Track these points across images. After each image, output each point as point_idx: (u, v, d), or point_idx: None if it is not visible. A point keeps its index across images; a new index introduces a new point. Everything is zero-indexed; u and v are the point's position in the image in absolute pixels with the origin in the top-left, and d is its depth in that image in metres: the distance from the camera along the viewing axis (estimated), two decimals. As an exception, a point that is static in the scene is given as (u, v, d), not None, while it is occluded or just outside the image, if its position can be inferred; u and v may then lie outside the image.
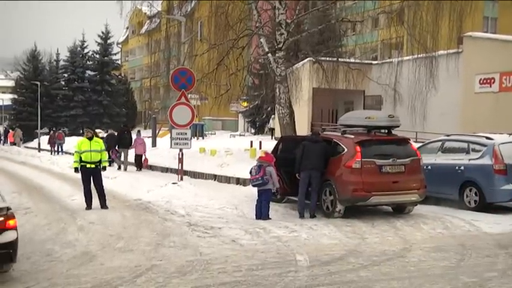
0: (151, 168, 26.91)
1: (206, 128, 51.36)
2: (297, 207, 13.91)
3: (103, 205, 15.07)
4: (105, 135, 31.40)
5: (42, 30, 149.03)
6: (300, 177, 13.91)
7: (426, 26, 20.99)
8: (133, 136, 28.05)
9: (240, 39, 23.22)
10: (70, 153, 39.91)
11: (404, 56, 26.05)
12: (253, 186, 14.00)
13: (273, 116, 40.64)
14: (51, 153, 41.90)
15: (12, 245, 8.08)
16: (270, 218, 13.44)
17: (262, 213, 13.54)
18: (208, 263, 9.30)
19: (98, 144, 15.23)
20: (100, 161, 15.14)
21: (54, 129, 58.93)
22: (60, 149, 42.62)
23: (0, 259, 8.01)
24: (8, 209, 8.17)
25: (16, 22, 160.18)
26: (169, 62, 28.16)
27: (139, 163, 26.90)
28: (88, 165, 15.04)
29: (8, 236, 8.04)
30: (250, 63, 28.49)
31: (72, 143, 42.44)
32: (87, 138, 15.18)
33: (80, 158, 15.07)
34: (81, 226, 12.51)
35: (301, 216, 13.57)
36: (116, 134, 28.95)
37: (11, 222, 8.13)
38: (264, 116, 45.47)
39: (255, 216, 13.58)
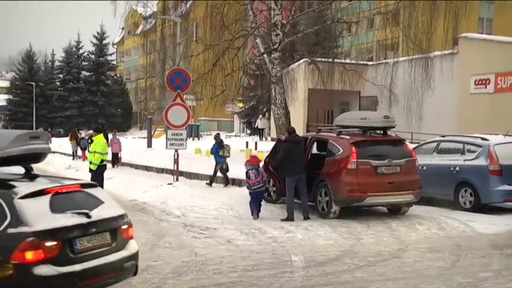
0: (147, 168, 26.87)
1: (202, 129, 51.29)
2: (287, 211, 13.65)
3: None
4: (84, 135, 33.50)
5: (37, 31, 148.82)
6: (287, 182, 13.83)
7: (422, 26, 21.04)
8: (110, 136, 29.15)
9: (235, 39, 23.22)
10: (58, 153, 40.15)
11: (400, 56, 26.06)
12: (254, 189, 13.92)
13: (260, 116, 40.57)
14: None
15: (137, 256, 7.45)
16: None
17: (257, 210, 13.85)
18: (204, 264, 9.29)
19: (93, 145, 15.46)
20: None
21: (49, 129, 58.82)
22: None
23: (129, 272, 7.30)
24: (126, 216, 7.54)
25: (11, 22, 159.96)
26: (164, 63, 28.12)
27: (115, 161, 28.39)
28: (91, 166, 15.55)
29: (134, 246, 7.44)
30: (246, 64, 28.45)
31: (63, 143, 42.71)
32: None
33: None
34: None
35: (291, 219, 13.36)
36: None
37: (131, 231, 7.51)
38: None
39: (251, 215, 13.73)
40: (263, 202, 15.47)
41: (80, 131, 41.97)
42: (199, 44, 25.68)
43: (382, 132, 14.52)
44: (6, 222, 6.32)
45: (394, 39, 24.68)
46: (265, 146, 28.00)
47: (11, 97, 72.63)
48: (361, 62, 35.92)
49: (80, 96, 69.88)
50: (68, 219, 6.59)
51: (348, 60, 31.37)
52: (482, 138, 15.21)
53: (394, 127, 14.58)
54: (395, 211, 14.17)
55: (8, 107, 72.62)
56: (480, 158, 14.72)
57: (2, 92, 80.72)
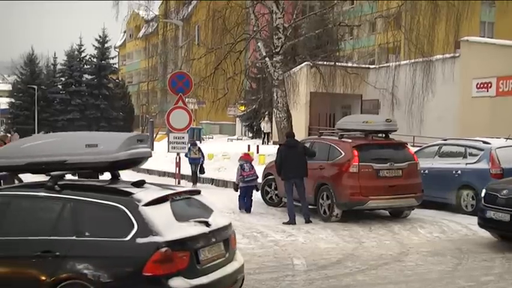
0: (149, 172, 26.88)
1: (204, 132, 51.30)
2: (288, 214, 13.61)
3: None
4: None
5: (39, 34, 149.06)
6: (285, 186, 13.91)
7: (423, 30, 21.07)
8: None
9: (237, 43, 23.25)
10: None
11: (402, 60, 26.07)
12: (247, 182, 15.11)
13: (266, 119, 40.62)
14: None
15: (243, 267, 7.17)
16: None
17: (246, 206, 15.04)
18: (206, 267, 9.27)
19: None
20: None
21: (51, 132, 58.69)
22: None
23: (238, 284, 7.01)
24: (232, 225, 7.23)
25: (13, 26, 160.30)
26: (166, 66, 28.14)
27: None
28: None
29: (241, 257, 7.23)
30: (248, 67, 28.49)
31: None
32: None
33: None
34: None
35: (293, 223, 13.35)
36: None
37: (236, 241, 7.25)
38: (261, 120, 45.42)
39: (238, 209, 15.13)
40: (265, 205, 15.60)
41: None
42: (201, 48, 25.71)
43: (384, 135, 14.53)
44: (134, 231, 5.99)
45: (396, 42, 24.69)
46: (268, 150, 28.01)
47: (13, 100, 72.55)
48: (363, 66, 36.01)
49: (82, 100, 69.84)
50: (192, 228, 6.30)
51: (349, 64, 31.41)
52: (484, 142, 15.19)
53: (396, 130, 14.61)
54: (397, 214, 14.18)
55: (10, 110, 72.58)
56: (482, 162, 14.71)
57: (3, 95, 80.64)
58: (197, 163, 20.92)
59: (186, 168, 21.72)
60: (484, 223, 11.07)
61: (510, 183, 11.34)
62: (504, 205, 10.46)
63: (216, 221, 6.73)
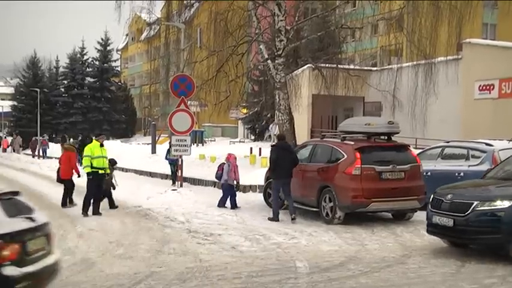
0: (151, 175, 26.89)
1: (206, 135, 51.35)
2: (274, 211, 14.14)
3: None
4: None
5: (41, 37, 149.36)
6: (273, 184, 14.48)
7: (425, 32, 21.06)
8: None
9: (239, 45, 23.27)
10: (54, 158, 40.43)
11: (404, 62, 26.07)
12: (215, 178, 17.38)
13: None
14: (33, 157, 43.67)
15: (60, 261, 7.62)
16: (226, 207, 15.91)
17: (219, 202, 16.18)
18: (208, 270, 9.29)
19: (106, 150, 15.52)
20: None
21: (54, 135, 58.84)
22: (44, 154, 43.91)
23: (57, 274, 7.45)
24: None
25: (16, 29, 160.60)
26: (168, 69, 28.15)
27: None
28: (100, 171, 15.25)
29: (58, 252, 7.63)
30: (250, 69, 28.52)
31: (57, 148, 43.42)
32: (101, 145, 15.43)
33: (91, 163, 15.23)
34: (81, 233, 12.52)
35: (277, 219, 13.87)
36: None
37: (53, 236, 7.65)
38: (263, 123, 45.36)
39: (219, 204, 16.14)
40: (267, 208, 15.66)
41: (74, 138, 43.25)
42: (203, 50, 25.73)
43: (386, 138, 14.53)
44: None
45: (398, 44, 24.68)
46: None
47: (15, 103, 72.75)
48: (365, 68, 35.98)
49: (84, 103, 69.95)
50: (21, 223, 6.91)
51: (351, 66, 31.39)
52: (487, 144, 15.17)
53: (398, 133, 14.59)
54: (399, 217, 14.18)
55: (12, 113, 72.77)
56: (485, 164, 14.65)
57: (6, 98, 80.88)
58: (176, 163, 21.28)
59: (189, 171, 21.79)
60: (431, 229, 10.86)
61: (456, 188, 11.28)
62: (448, 210, 10.29)
63: (39, 217, 7.33)
